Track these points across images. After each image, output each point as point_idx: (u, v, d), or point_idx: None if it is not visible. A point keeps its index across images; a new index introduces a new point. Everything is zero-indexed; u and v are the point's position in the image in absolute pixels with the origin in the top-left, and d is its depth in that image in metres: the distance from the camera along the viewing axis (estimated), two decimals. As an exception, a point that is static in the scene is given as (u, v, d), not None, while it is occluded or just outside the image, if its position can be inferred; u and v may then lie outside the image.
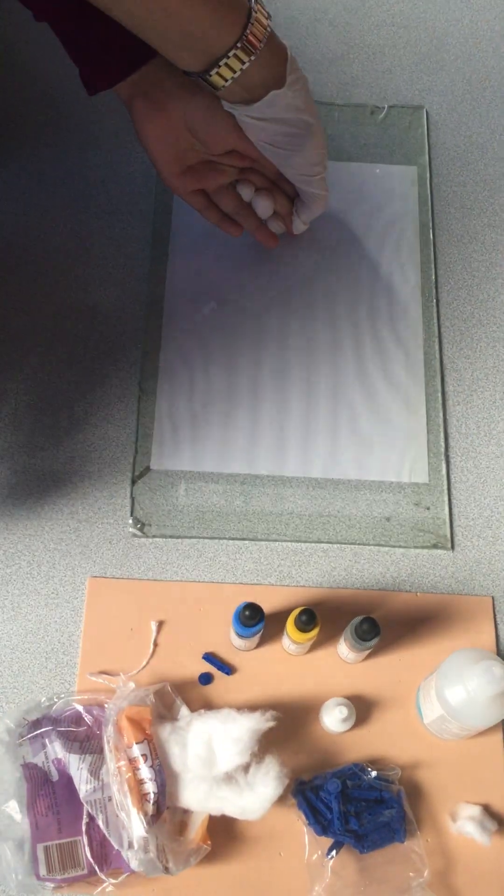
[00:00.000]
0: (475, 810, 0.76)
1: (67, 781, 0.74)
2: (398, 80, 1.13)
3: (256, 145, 0.82)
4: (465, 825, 0.75)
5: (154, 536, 0.87)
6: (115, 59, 0.79)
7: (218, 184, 0.89)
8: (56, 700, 0.79)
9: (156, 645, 0.82)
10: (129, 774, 0.71)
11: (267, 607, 0.81)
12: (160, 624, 0.83)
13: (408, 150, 1.08)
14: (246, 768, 0.73)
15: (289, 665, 0.82)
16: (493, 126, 1.10)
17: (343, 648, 0.80)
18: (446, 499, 0.90)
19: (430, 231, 1.03)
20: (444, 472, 0.91)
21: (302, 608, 0.74)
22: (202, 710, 0.76)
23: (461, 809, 0.77)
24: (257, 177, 0.90)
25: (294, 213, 0.94)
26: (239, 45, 0.71)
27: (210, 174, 0.88)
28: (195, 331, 0.96)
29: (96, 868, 0.72)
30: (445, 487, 0.90)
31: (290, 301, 0.98)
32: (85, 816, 0.73)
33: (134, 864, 0.70)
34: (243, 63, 0.72)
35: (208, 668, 0.81)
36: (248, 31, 0.71)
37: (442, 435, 0.92)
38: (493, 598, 0.86)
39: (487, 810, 0.77)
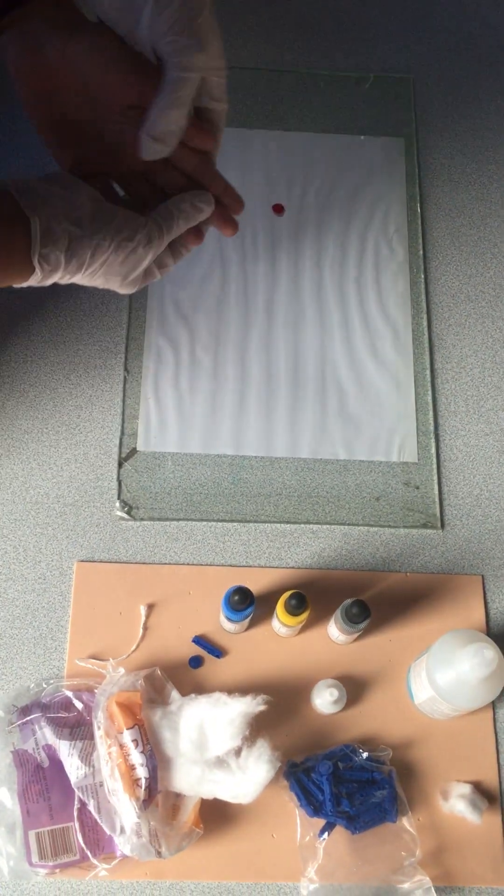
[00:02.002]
0: (466, 789, 0.76)
1: (58, 768, 0.74)
2: (383, 49, 1.10)
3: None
4: (457, 804, 0.75)
5: (142, 519, 0.86)
6: None
7: (116, 169, 0.71)
8: (45, 686, 0.78)
9: (145, 629, 0.81)
10: (120, 760, 0.71)
11: (256, 589, 0.81)
12: (149, 607, 0.82)
13: (394, 121, 1.06)
14: (238, 751, 0.73)
15: (279, 647, 0.81)
16: (480, 96, 1.08)
17: (333, 630, 0.79)
18: (436, 478, 0.89)
19: (418, 204, 1.01)
20: (433, 450, 0.90)
21: (292, 592, 0.74)
22: (193, 695, 0.76)
23: (452, 788, 0.77)
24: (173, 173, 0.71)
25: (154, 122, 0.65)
26: None
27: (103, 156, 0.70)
28: (180, 310, 0.94)
29: (88, 853, 0.72)
30: (435, 466, 0.89)
31: (277, 279, 0.96)
32: (76, 802, 0.73)
33: (126, 849, 0.70)
34: None
35: (199, 651, 0.81)
36: None
37: (431, 413, 0.92)
38: (482, 576, 0.85)
39: (478, 788, 0.77)
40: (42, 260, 0.60)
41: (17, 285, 0.62)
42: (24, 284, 0.62)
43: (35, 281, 0.62)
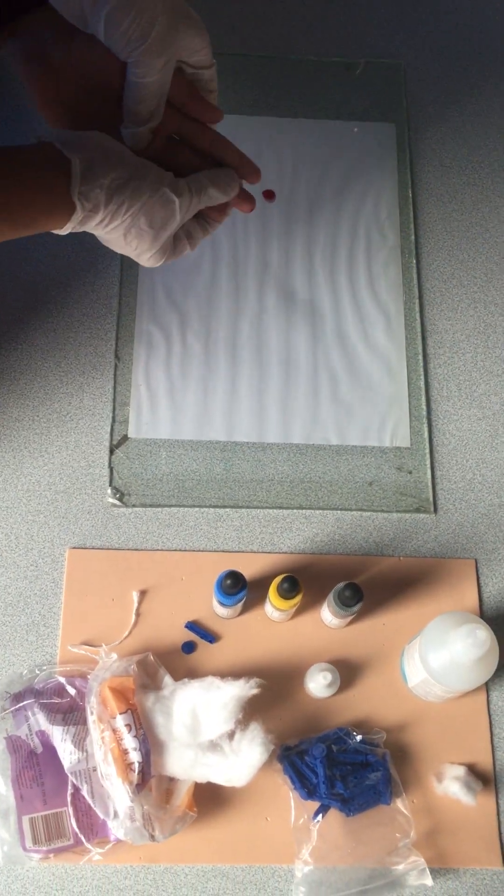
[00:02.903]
0: (460, 770, 0.76)
1: (52, 753, 0.74)
2: (374, 35, 1.10)
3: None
4: (451, 785, 0.76)
5: (134, 506, 0.86)
6: None
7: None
8: (38, 672, 0.78)
9: (138, 615, 0.81)
10: (114, 745, 0.71)
11: (249, 574, 0.81)
12: (142, 594, 0.82)
13: (385, 107, 1.06)
14: (231, 735, 0.73)
15: (273, 632, 0.81)
16: (471, 82, 1.08)
17: (327, 614, 0.79)
18: (428, 462, 0.89)
19: (410, 190, 1.01)
20: (426, 435, 0.90)
21: (284, 575, 0.74)
22: (186, 679, 0.76)
23: (446, 770, 0.77)
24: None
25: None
26: None
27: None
28: (171, 296, 0.94)
29: (82, 838, 0.72)
30: (427, 451, 0.89)
31: (268, 265, 0.96)
32: (70, 787, 0.73)
33: (120, 833, 0.70)
34: None
35: (191, 636, 0.81)
36: None
37: (423, 398, 0.91)
38: (475, 560, 0.85)
39: (472, 770, 0.77)
40: (82, 197, 0.63)
41: (57, 231, 0.66)
42: (65, 230, 0.66)
43: (75, 222, 0.65)
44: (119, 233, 0.68)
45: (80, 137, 0.66)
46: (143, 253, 0.72)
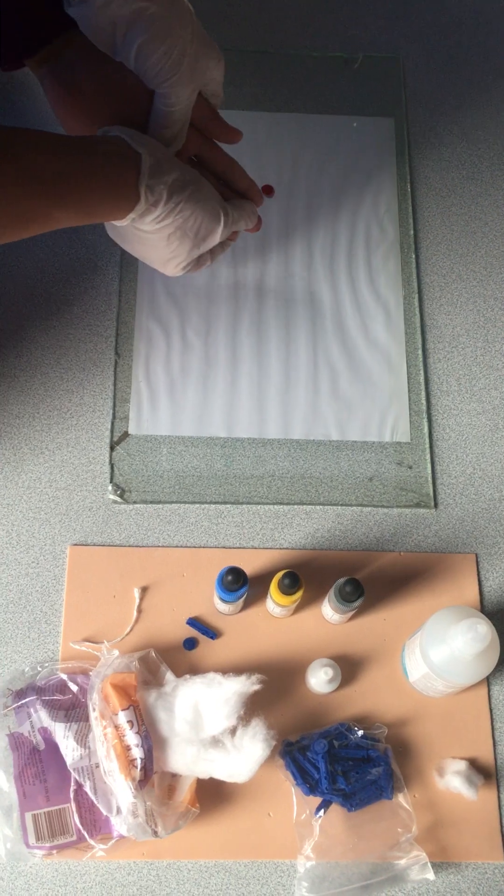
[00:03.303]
0: (462, 765, 0.77)
1: (54, 750, 0.74)
2: (372, 29, 1.10)
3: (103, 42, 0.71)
4: (452, 780, 0.76)
5: (134, 502, 0.86)
6: (23, 35, 0.72)
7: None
8: (40, 669, 0.78)
9: (139, 611, 0.81)
10: (116, 741, 0.71)
11: (250, 570, 0.81)
12: (143, 590, 0.82)
13: (384, 101, 1.05)
14: (233, 731, 0.73)
15: (274, 627, 0.82)
16: (469, 75, 1.08)
17: (328, 610, 0.79)
18: (428, 457, 0.89)
19: (408, 184, 1.01)
20: (426, 430, 0.90)
21: (285, 571, 0.74)
22: (188, 675, 0.76)
23: (448, 765, 0.77)
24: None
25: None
26: None
27: None
28: (170, 292, 0.94)
29: (85, 834, 0.72)
30: (427, 446, 0.89)
31: (267, 260, 0.96)
32: (73, 784, 0.73)
33: (123, 830, 0.70)
34: None
35: (193, 632, 0.81)
36: None
37: (423, 393, 0.91)
38: (476, 555, 0.85)
39: (474, 764, 0.78)
40: (148, 191, 0.68)
41: (118, 221, 0.70)
42: (125, 221, 0.70)
43: (137, 213, 0.69)
44: (167, 232, 0.72)
45: (144, 137, 0.70)
46: (173, 259, 0.76)
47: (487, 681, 0.81)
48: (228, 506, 0.86)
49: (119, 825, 0.71)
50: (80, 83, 0.73)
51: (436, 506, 0.87)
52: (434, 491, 0.88)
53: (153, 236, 0.72)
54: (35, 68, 0.75)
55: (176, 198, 0.70)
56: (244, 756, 0.72)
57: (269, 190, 0.99)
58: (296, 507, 0.87)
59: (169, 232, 0.72)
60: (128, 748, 0.71)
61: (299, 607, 0.81)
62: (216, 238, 0.76)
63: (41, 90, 0.75)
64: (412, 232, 0.99)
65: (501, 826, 0.76)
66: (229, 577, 0.73)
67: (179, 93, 0.71)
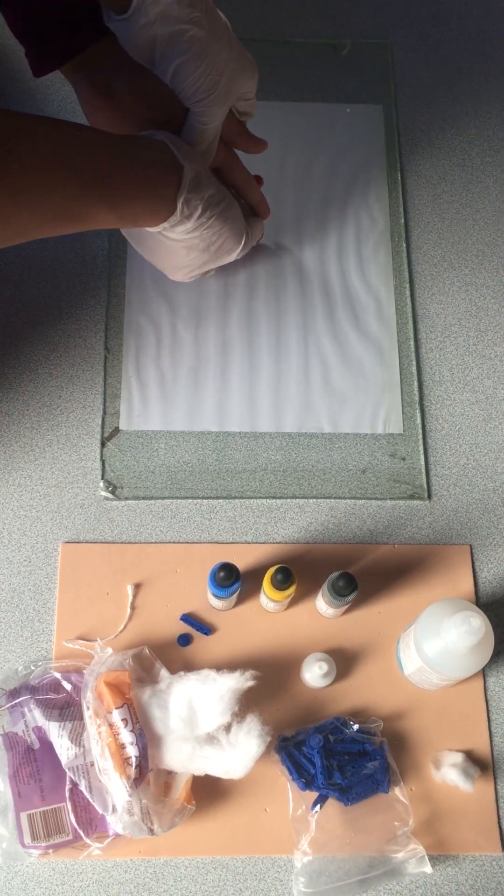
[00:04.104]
0: (458, 757, 0.76)
1: (49, 749, 0.73)
2: (360, 15, 1.08)
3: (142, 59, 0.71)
4: (449, 772, 0.75)
5: (126, 499, 0.85)
6: (60, 39, 0.73)
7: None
8: (33, 668, 0.78)
9: (133, 608, 0.81)
10: (110, 739, 0.71)
11: (244, 566, 0.81)
12: (136, 587, 0.82)
13: (373, 88, 1.04)
14: (228, 727, 0.72)
15: (268, 622, 0.81)
16: (458, 62, 1.07)
17: (322, 604, 0.79)
18: (422, 448, 0.88)
19: (398, 172, 1.00)
20: (418, 421, 0.89)
21: (278, 566, 0.73)
22: (182, 672, 0.76)
23: (444, 757, 0.77)
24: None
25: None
26: None
27: None
28: (159, 287, 0.93)
29: (81, 833, 0.72)
30: (420, 437, 0.89)
31: (256, 252, 0.95)
32: (68, 783, 0.73)
33: (119, 828, 0.70)
34: None
35: (187, 629, 0.81)
36: None
37: (416, 384, 0.91)
38: (470, 546, 0.85)
39: (470, 756, 0.77)
40: (185, 204, 0.69)
41: (150, 228, 0.71)
42: (157, 228, 0.71)
43: (171, 223, 0.70)
44: (191, 244, 0.74)
45: (187, 148, 0.71)
46: (186, 268, 0.78)
47: (483, 672, 0.81)
48: (221, 501, 0.86)
49: (115, 823, 0.70)
50: (115, 91, 0.74)
51: (429, 497, 0.87)
52: (428, 482, 0.87)
53: (176, 245, 0.74)
54: (70, 74, 0.75)
55: (209, 213, 0.71)
56: (239, 752, 0.72)
57: (257, 180, 0.97)
58: (289, 500, 0.86)
59: (193, 244, 0.74)
60: (122, 746, 0.71)
61: (293, 602, 0.81)
62: (233, 256, 0.79)
63: (70, 98, 0.75)
64: (402, 221, 0.98)
65: (499, 818, 0.76)
66: (221, 574, 0.73)
67: (214, 111, 0.73)
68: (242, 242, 0.79)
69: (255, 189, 0.85)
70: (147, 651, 0.78)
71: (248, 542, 0.84)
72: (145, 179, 0.67)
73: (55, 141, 0.62)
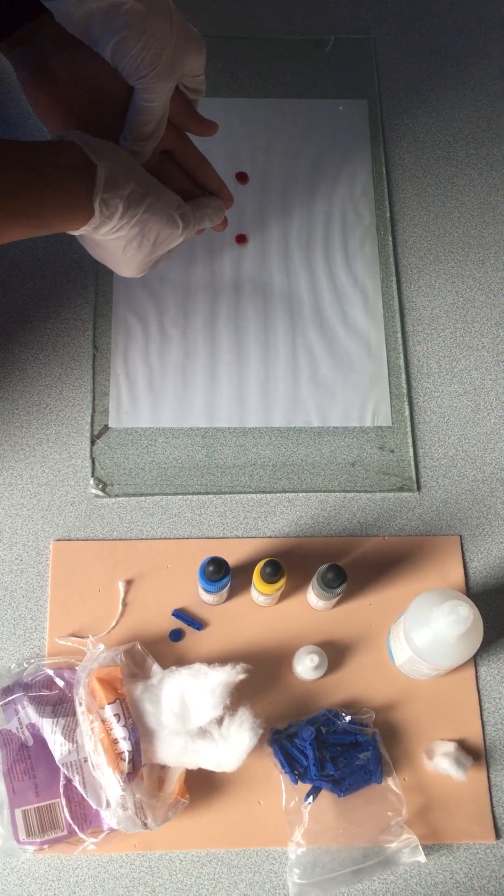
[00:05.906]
0: (450, 747, 0.77)
1: (43, 746, 0.74)
2: (343, 10, 1.09)
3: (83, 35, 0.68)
4: (441, 762, 0.76)
5: (117, 496, 0.85)
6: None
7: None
8: (26, 666, 0.78)
9: (124, 605, 0.81)
10: (103, 735, 0.71)
11: (234, 560, 0.81)
12: (128, 583, 0.82)
13: (357, 83, 1.04)
14: (220, 721, 0.73)
15: (259, 616, 0.81)
16: (442, 56, 1.07)
17: (312, 597, 0.79)
18: (410, 440, 0.89)
19: (383, 166, 1.00)
20: (407, 413, 0.90)
21: (266, 559, 0.74)
22: (174, 667, 0.76)
23: (436, 747, 0.77)
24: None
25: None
26: None
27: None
28: (147, 284, 0.93)
29: (76, 828, 0.72)
30: (409, 429, 0.89)
31: (243, 248, 0.95)
32: (62, 779, 0.73)
33: (113, 823, 0.70)
34: None
35: (179, 624, 0.81)
36: None
37: (403, 376, 0.91)
38: (460, 536, 0.85)
39: (462, 746, 0.78)
40: (103, 204, 0.65)
41: (72, 231, 0.67)
42: (78, 231, 0.67)
43: (91, 226, 0.66)
44: (122, 242, 0.70)
45: (101, 144, 0.67)
46: (129, 263, 0.74)
47: (474, 661, 0.81)
48: (211, 496, 0.86)
49: (109, 818, 0.71)
50: (53, 69, 0.70)
51: (419, 489, 0.87)
52: (417, 474, 0.88)
53: (110, 243, 0.70)
54: (7, 52, 0.72)
55: (132, 210, 0.67)
56: (232, 745, 0.72)
57: (243, 177, 0.98)
58: (278, 495, 0.86)
59: (125, 242, 0.70)
60: (115, 741, 0.71)
61: (284, 595, 0.81)
62: (175, 242, 0.74)
63: (15, 76, 0.73)
64: (388, 214, 0.98)
65: (492, 805, 0.77)
66: (210, 568, 0.73)
67: (158, 87, 0.69)
68: (180, 228, 0.72)
69: (211, 173, 0.79)
70: (139, 647, 0.78)
71: (239, 537, 0.85)
72: (57, 187, 0.63)
73: None
